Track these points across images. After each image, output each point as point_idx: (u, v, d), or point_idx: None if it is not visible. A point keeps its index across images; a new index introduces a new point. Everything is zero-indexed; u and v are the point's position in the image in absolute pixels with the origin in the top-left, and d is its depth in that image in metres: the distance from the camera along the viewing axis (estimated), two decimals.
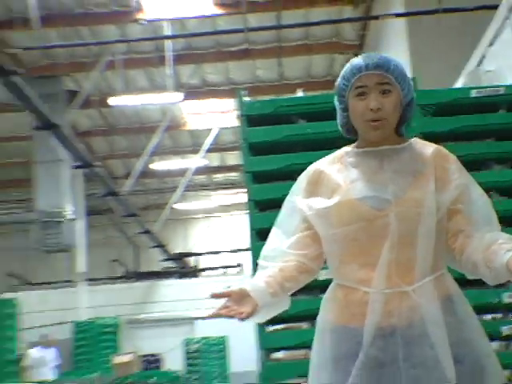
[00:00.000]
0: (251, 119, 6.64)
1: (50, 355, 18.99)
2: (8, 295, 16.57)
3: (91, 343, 21.17)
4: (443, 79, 8.15)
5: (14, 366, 15.06)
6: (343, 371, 2.80)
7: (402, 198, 2.84)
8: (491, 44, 9.84)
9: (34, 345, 20.92)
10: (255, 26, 16.90)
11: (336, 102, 3.10)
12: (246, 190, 6.86)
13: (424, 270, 2.82)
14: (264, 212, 6.58)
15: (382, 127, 2.90)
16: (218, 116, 24.14)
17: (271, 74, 21.28)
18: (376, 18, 15.99)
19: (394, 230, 2.79)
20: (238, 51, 20.28)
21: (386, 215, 2.82)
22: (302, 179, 3.15)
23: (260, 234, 6.33)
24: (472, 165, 6.36)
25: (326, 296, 3.06)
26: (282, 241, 3.06)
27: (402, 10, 13.84)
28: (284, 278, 2.93)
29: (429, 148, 3.06)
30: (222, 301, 2.74)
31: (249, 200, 6.55)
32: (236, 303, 2.73)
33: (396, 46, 14.52)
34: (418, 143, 3.10)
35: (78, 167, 21.53)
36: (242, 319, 2.68)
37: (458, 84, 9.85)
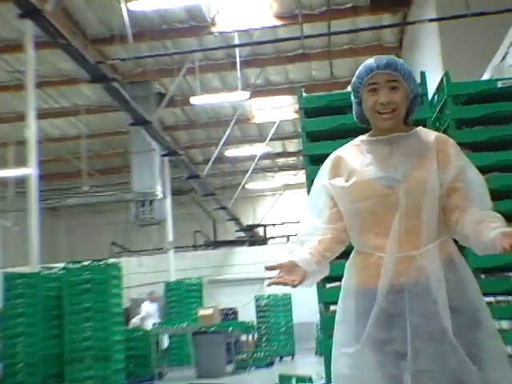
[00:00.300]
0: (308, 112, 6.60)
1: (155, 308, 20.37)
2: (113, 260, 16.64)
3: (180, 299, 21.37)
4: (472, 73, 7.84)
5: (120, 317, 15.25)
6: (362, 325, 2.89)
7: (409, 178, 2.92)
8: None
9: (136, 301, 22.23)
10: (309, 34, 16.67)
11: (352, 98, 3.20)
12: (304, 171, 6.82)
13: (429, 237, 2.90)
14: None
15: (390, 118, 2.98)
16: (279, 110, 24.16)
17: (323, 74, 21.11)
18: (412, 23, 15.76)
19: (402, 204, 2.88)
20: (295, 55, 20.20)
21: (397, 192, 2.90)
22: (326, 164, 3.24)
23: None
24: (499, 145, 6.17)
25: (348, 262, 3.13)
26: (315, 218, 3.15)
27: (434, 15, 13.49)
28: (324, 248, 3.02)
29: (432, 135, 3.12)
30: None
31: (307, 179, 6.24)
32: (287, 273, 2.86)
33: (430, 45, 14.31)
34: (422, 131, 3.15)
35: (165, 155, 22.00)
36: (294, 286, 2.83)
37: (485, 76, 9.65)
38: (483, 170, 6.01)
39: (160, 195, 22.33)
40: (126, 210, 23.22)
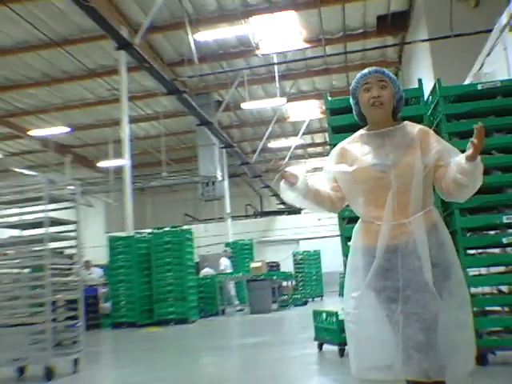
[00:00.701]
0: (333, 111, 6.73)
1: (229, 262, 20.45)
2: (186, 227, 16.79)
3: (236, 256, 21.45)
4: (457, 79, 7.89)
5: (193, 269, 15.48)
6: (364, 276, 3.05)
7: (399, 163, 3.00)
8: (488, 55, 9.71)
9: (204, 257, 22.17)
10: (330, 53, 16.68)
11: (351, 100, 3.30)
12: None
13: (415, 208, 3.00)
14: None
15: (380, 109, 3.07)
16: (308, 111, 24.08)
17: (342, 83, 21.12)
18: (409, 43, 15.72)
19: (394, 184, 2.98)
20: (320, 70, 20.24)
21: (389, 175, 2.99)
22: (333, 153, 3.32)
23: None
24: None
25: (355, 228, 3.24)
26: (325, 184, 3.28)
27: (426, 37, 13.61)
28: (318, 192, 3.22)
29: (416, 128, 3.16)
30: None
31: None
32: (291, 177, 3.13)
33: (423, 60, 14.47)
34: (408, 125, 3.19)
35: (223, 148, 22.12)
36: (286, 181, 3.14)
37: (467, 81, 9.72)
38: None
39: (219, 178, 22.30)
40: (194, 189, 23.32)
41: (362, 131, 3.26)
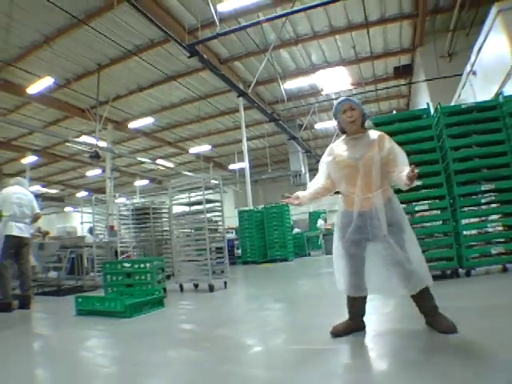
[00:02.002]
0: (378, 124, 6.21)
1: (323, 222, 19.90)
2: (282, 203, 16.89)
3: (316, 219, 21.02)
4: (445, 103, 7.65)
5: (289, 228, 15.45)
6: (345, 231, 3.15)
7: (364, 157, 3.07)
8: (462, 88, 9.81)
9: (296, 222, 21.53)
10: (367, 91, 16.51)
11: (335, 119, 3.35)
12: None
13: (376, 186, 3.05)
14: None
15: (354, 125, 3.18)
16: None
17: (376, 109, 20.56)
18: (414, 83, 15.45)
19: (361, 171, 3.06)
20: (363, 102, 18.87)
21: (358, 164, 3.07)
22: (326, 151, 3.34)
23: None
24: (466, 135, 6.04)
25: (340, 199, 3.27)
26: (319, 177, 3.36)
27: (423, 78, 13.53)
28: (315, 191, 3.33)
29: (376, 133, 3.19)
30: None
31: None
32: (294, 199, 3.29)
33: (424, 92, 14.13)
34: (371, 132, 3.23)
35: (304, 153, 21.60)
36: (295, 204, 3.28)
37: (452, 103, 9.72)
38: (463, 146, 5.98)
39: (303, 171, 21.67)
40: (288, 179, 23.17)
41: (343, 137, 3.32)
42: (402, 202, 6.01)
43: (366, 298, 3.26)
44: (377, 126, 6.38)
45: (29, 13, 11.00)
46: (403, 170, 2.93)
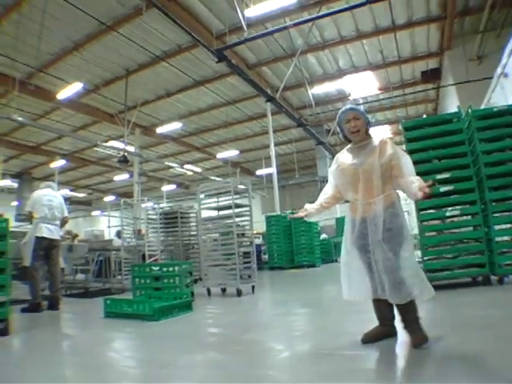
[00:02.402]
0: (407, 129, 6.36)
1: None
2: None
3: (342, 225, 20.93)
4: (475, 106, 7.54)
5: (317, 234, 15.27)
6: (351, 238, 3.17)
7: (365, 163, 3.07)
8: (492, 91, 9.61)
9: (323, 228, 21.47)
10: (394, 95, 16.44)
11: (337, 127, 3.33)
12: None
13: (378, 192, 3.03)
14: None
15: (358, 135, 3.17)
16: (382, 133, 22.89)
17: (403, 114, 20.31)
18: (442, 86, 15.17)
19: (362, 177, 3.07)
20: (388, 106, 19.53)
21: (358, 171, 3.08)
22: (334, 161, 3.35)
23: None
24: (499, 138, 5.93)
25: (347, 207, 3.26)
26: (328, 186, 3.41)
27: (452, 82, 13.27)
28: (325, 202, 3.38)
29: (378, 140, 3.15)
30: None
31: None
32: (302, 212, 3.37)
33: (452, 96, 13.82)
34: (374, 138, 3.20)
35: (332, 158, 21.24)
36: (303, 217, 3.35)
37: (483, 106, 9.52)
38: (495, 150, 5.85)
39: None
40: (315, 185, 23.01)
41: (348, 146, 3.31)
42: (432, 208, 6.09)
43: (388, 302, 3.11)
44: (406, 130, 6.31)
45: (60, 21, 11.37)
46: (413, 181, 2.92)
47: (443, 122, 6.19)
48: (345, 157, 3.25)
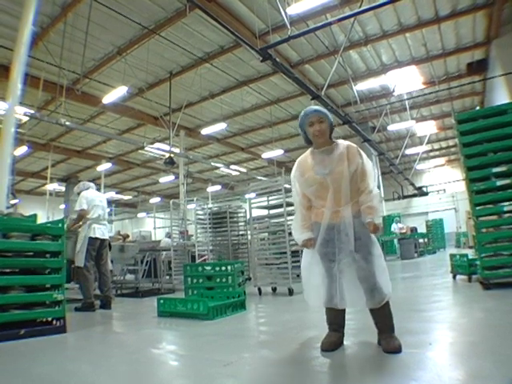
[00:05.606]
0: (460, 121, 6.15)
1: (398, 226, 19.72)
2: None
3: (389, 224, 20.67)
4: None
5: None
6: (315, 243, 3.10)
7: (333, 171, 2.99)
8: None
9: None
10: (440, 89, 16.35)
11: (300, 130, 3.19)
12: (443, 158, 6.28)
13: (345, 201, 3.00)
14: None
15: (321, 137, 3.06)
16: (428, 129, 22.46)
17: (448, 109, 19.62)
18: (489, 78, 14.65)
19: (331, 186, 2.99)
20: (434, 101, 19.10)
21: (327, 180, 3.00)
22: (295, 166, 3.25)
23: None
24: None
25: (312, 212, 3.18)
26: (297, 196, 3.25)
27: (500, 73, 12.75)
28: (308, 216, 3.18)
29: (344, 145, 3.09)
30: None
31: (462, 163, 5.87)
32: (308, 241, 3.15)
33: (500, 88, 13.34)
34: (340, 142, 3.13)
35: (378, 155, 21.10)
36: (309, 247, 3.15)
37: None
38: None
39: (376, 175, 21.21)
40: None
41: (311, 149, 3.22)
42: (488, 203, 5.88)
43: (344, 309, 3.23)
44: (460, 123, 6.12)
45: (103, 27, 11.80)
46: (369, 212, 2.95)
47: (498, 113, 5.96)
48: (308, 163, 3.17)
